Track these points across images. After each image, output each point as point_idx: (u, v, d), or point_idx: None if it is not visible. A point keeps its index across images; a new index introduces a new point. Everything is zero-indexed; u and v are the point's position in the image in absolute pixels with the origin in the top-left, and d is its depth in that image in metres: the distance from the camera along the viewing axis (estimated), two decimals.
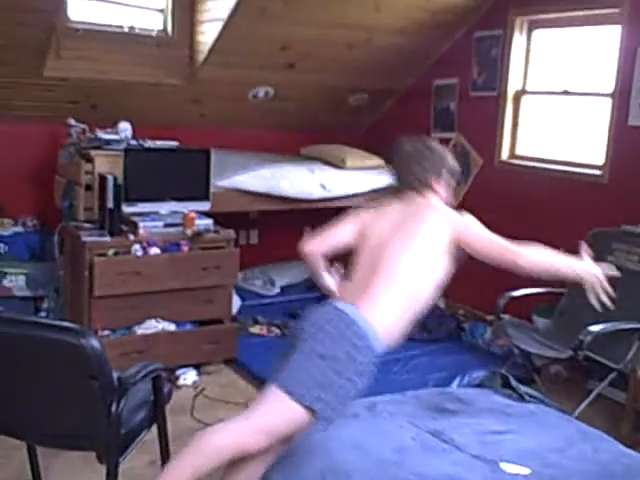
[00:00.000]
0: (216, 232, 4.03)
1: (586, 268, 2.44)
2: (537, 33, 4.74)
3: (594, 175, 4.30)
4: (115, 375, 2.34)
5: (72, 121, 4.35)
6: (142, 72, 4.70)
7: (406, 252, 2.46)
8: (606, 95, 4.24)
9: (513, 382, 3.73)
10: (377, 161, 5.28)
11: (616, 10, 4.11)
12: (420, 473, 2.32)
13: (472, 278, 5.15)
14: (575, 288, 4.00)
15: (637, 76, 3.99)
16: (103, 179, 3.84)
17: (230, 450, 2.19)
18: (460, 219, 2.59)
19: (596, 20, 4.34)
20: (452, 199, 2.70)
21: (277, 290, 5.41)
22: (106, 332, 3.70)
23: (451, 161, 2.71)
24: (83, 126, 4.32)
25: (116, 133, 4.20)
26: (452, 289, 5.21)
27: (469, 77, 5.09)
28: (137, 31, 4.66)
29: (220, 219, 4.18)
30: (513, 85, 4.83)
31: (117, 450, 2.33)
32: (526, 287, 4.08)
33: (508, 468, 2.40)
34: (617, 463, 2.50)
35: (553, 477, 2.36)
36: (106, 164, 3.99)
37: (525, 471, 2.39)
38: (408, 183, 2.66)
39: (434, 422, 2.74)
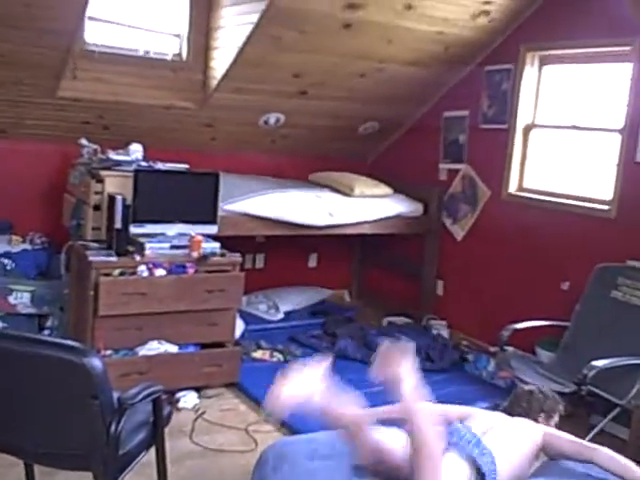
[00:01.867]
0: (222, 255, 4.04)
1: None
2: (548, 68, 4.78)
3: (602, 210, 4.30)
4: (115, 395, 2.34)
5: (84, 141, 4.40)
6: (155, 95, 4.76)
7: None
8: (615, 131, 4.26)
9: None
10: (385, 189, 5.31)
11: (627, 48, 4.15)
12: None
13: (476, 309, 5.17)
14: (579, 322, 3.99)
15: None
16: (112, 199, 3.87)
17: None
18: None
19: (607, 57, 4.37)
20: None
21: (281, 315, 5.40)
22: (108, 352, 3.69)
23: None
24: (95, 146, 4.36)
25: (127, 154, 4.24)
26: (456, 320, 5.30)
27: (479, 110, 5.12)
28: (152, 55, 4.73)
29: (227, 242, 4.19)
30: (523, 118, 4.85)
31: (114, 471, 2.33)
32: (530, 319, 4.07)
33: None
34: None
35: None
36: (116, 185, 4.02)
37: None
38: None
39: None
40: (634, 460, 3.29)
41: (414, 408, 2.25)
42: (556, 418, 2.84)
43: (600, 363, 3.39)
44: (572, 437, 2.66)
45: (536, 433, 2.66)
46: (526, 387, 3.00)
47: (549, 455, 2.68)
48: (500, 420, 2.72)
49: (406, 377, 2.26)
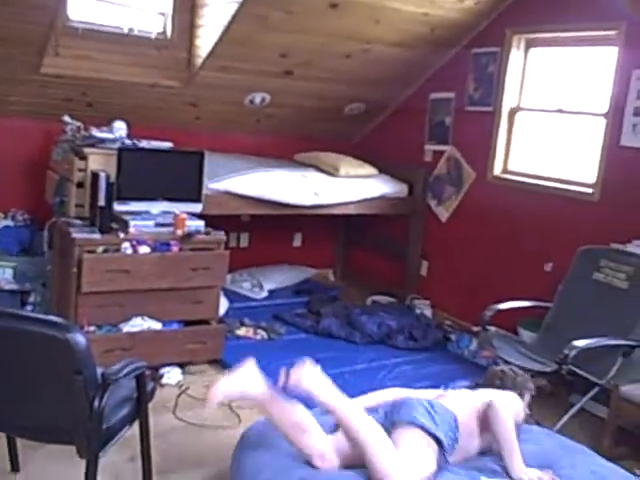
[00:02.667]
0: (207, 234, 4.04)
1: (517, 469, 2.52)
2: (534, 51, 4.78)
3: (585, 193, 4.33)
4: (99, 371, 2.35)
5: (67, 118, 4.36)
6: (139, 73, 4.72)
7: None
8: (600, 115, 4.28)
9: None
10: (370, 170, 5.32)
11: (613, 32, 4.16)
12: None
13: (459, 290, 5.21)
14: (562, 303, 4.04)
15: (631, 98, 4.04)
16: (96, 177, 3.84)
17: None
18: None
19: (592, 41, 4.38)
20: None
21: (265, 294, 5.42)
22: (92, 328, 3.68)
23: None
24: (78, 124, 4.33)
25: (111, 132, 4.21)
26: (439, 299, 5.34)
27: (465, 92, 5.13)
28: (136, 33, 4.68)
29: (211, 221, 4.19)
30: (508, 101, 4.87)
31: (97, 445, 2.34)
32: (513, 300, 4.11)
33: None
34: (594, 476, 2.52)
35: None
36: (99, 162, 4.00)
37: None
38: None
39: None
40: (613, 439, 3.39)
41: (332, 406, 2.47)
42: (527, 397, 2.88)
43: (581, 343, 3.43)
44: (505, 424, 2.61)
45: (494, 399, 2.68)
46: (498, 367, 3.07)
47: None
48: (464, 394, 2.81)
49: (313, 387, 2.50)
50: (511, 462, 2.53)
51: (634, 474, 2.69)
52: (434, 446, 2.45)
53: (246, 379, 2.60)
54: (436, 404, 2.59)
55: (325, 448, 2.48)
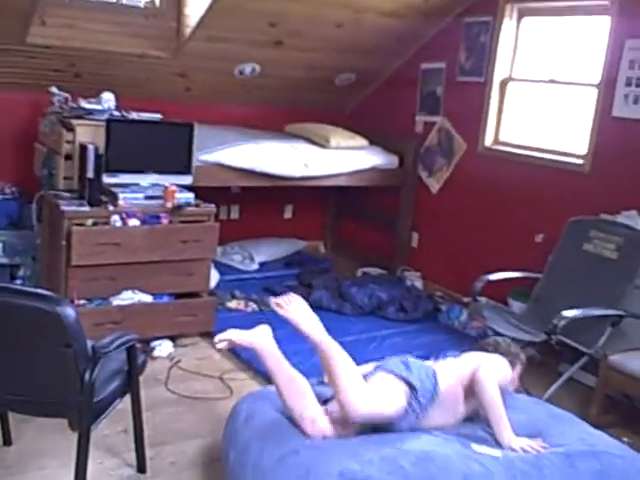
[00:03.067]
0: (197, 206, 4.01)
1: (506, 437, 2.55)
2: (526, 21, 4.74)
3: (576, 164, 4.33)
4: (89, 344, 2.34)
5: (55, 89, 4.31)
6: (128, 43, 4.65)
7: None
8: (592, 85, 4.26)
9: None
10: (361, 141, 5.29)
11: (606, 2, 4.12)
12: (397, 447, 2.39)
13: (450, 261, 5.22)
14: (551, 274, 4.05)
15: (623, 68, 4.02)
16: (84, 149, 3.81)
17: None
18: None
19: (585, 10, 4.34)
20: None
21: (256, 266, 5.41)
22: (82, 302, 3.67)
23: None
24: (66, 95, 4.27)
25: (99, 103, 4.16)
26: (430, 271, 5.36)
27: (456, 62, 5.09)
28: (124, 1, 4.61)
29: (202, 193, 4.16)
30: (500, 72, 4.83)
31: (89, 418, 2.35)
32: (503, 271, 4.12)
33: (479, 449, 2.45)
34: (584, 443, 2.55)
35: (522, 459, 2.41)
36: (88, 134, 3.96)
37: (496, 453, 2.43)
38: None
39: None
40: (601, 407, 3.43)
41: (317, 339, 2.54)
42: (519, 367, 2.89)
43: (570, 313, 3.45)
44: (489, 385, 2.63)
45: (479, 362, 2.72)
46: (491, 338, 3.08)
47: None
48: (450, 361, 2.84)
49: (300, 319, 2.58)
50: (499, 430, 2.56)
51: (622, 441, 2.72)
52: (405, 388, 2.51)
53: (257, 335, 2.72)
54: (414, 360, 2.66)
55: (317, 414, 2.53)
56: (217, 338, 2.71)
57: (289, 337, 2.79)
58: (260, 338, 2.71)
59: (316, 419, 2.52)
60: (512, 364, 2.85)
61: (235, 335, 2.70)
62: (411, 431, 2.53)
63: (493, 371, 2.67)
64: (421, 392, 2.53)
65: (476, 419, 2.72)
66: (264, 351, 2.67)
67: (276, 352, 2.68)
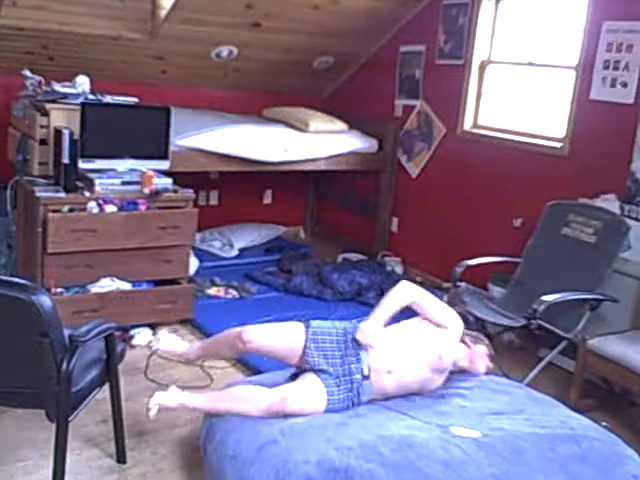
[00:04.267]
0: (175, 192, 3.97)
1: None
2: (504, 3, 4.72)
3: (555, 147, 4.34)
4: (66, 333, 2.31)
5: (28, 72, 4.20)
6: (102, 25, 4.56)
7: None
8: (570, 68, 4.26)
9: None
10: (340, 125, 5.25)
11: None
12: (376, 433, 2.39)
13: (430, 246, 5.22)
14: (531, 258, 4.07)
15: (601, 50, 4.02)
16: (59, 133, 3.73)
17: None
18: None
19: None
20: None
21: (235, 252, 5.37)
22: (59, 290, 3.62)
23: None
24: (39, 78, 4.17)
25: (73, 87, 4.07)
26: (410, 256, 5.36)
27: (435, 45, 5.07)
28: None
29: (180, 179, 4.11)
30: (479, 54, 4.82)
31: (67, 408, 2.32)
32: (483, 256, 4.13)
33: (458, 431, 2.45)
34: (563, 426, 2.56)
35: (502, 439, 2.43)
36: (62, 118, 3.88)
37: (475, 434, 2.44)
38: None
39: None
40: (580, 392, 3.45)
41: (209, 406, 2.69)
42: (482, 348, 3.02)
43: (549, 298, 3.47)
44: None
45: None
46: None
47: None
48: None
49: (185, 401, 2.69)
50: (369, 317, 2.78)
51: (600, 425, 2.74)
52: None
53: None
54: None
55: (280, 393, 2.58)
56: (150, 405, 2.61)
57: None
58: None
59: (284, 397, 2.58)
60: (474, 340, 2.98)
61: (163, 400, 2.63)
62: (388, 408, 2.62)
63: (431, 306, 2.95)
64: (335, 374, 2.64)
65: (455, 401, 2.73)
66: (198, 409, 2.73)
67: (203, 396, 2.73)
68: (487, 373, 3.00)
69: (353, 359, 2.69)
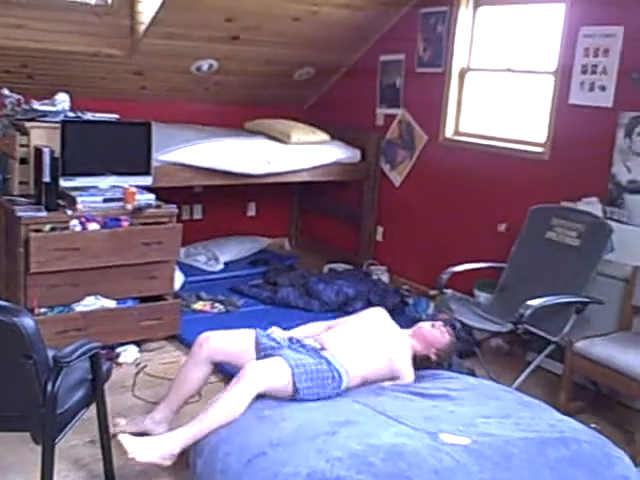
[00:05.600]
0: (158, 207, 3.95)
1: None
2: (482, 10, 4.76)
3: (536, 152, 4.36)
4: (50, 354, 2.28)
5: (6, 91, 4.18)
6: (80, 42, 4.55)
7: None
8: (548, 73, 4.29)
9: (454, 359, 3.81)
10: (322, 136, 5.26)
11: None
12: (365, 442, 2.37)
13: (415, 254, 5.23)
14: (515, 263, 4.08)
15: (579, 55, 4.06)
16: (39, 152, 3.71)
17: None
18: None
19: None
20: None
21: (221, 266, 5.35)
22: (43, 310, 3.59)
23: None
24: (18, 97, 4.15)
25: (53, 104, 4.05)
26: (396, 265, 5.36)
27: (415, 53, 5.09)
28: None
29: (163, 194, 4.10)
30: (458, 62, 4.85)
31: (53, 431, 2.29)
32: (468, 262, 4.13)
33: (447, 439, 2.44)
34: (553, 430, 2.56)
35: (492, 445, 2.42)
36: (43, 137, 3.85)
37: (465, 441, 2.43)
38: None
39: (378, 400, 2.78)
40: (568, 394, 3.46)
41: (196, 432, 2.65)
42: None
43: (535, 302, 3.48)
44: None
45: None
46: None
47: None
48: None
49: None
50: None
51: (590, 427, 2.74)
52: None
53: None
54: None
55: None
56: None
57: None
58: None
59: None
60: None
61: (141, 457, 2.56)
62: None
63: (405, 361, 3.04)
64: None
65: (446, 407, 2.73)
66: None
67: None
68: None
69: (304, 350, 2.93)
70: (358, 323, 3.18)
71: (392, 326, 3.24)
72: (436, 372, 3.14)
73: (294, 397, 2.71)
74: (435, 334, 3.18)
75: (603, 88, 3.94)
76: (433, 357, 3.15)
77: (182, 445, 2.58)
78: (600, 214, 3.88)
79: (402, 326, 3.52)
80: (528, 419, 2.64)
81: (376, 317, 3.26)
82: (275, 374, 2.70)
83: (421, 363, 3.14)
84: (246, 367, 2.69)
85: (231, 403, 2.61)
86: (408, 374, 3.03)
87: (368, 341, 3.02)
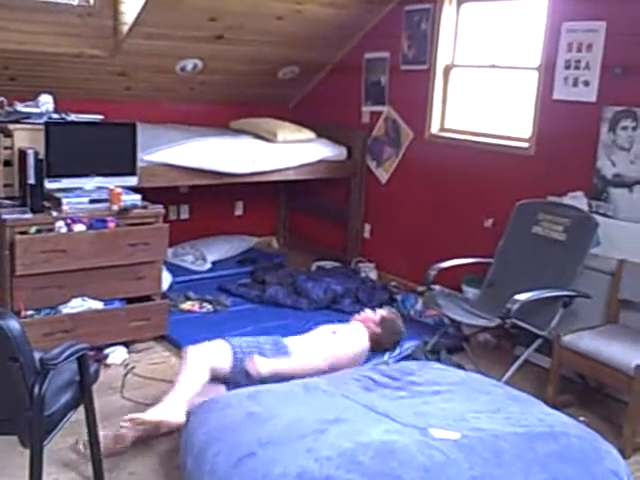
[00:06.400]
0: (144, 207, 3.93)
1: None
2: (465, 7, 4.77)
3: (521, 148, 4.38)
4: (37, 356, 2.27)
5: None
6: (63, 43, 4.52)
7: None
8: (532, 69, 4.31)
9: (443, 355, 3.82)
10: (308, 134, 5.25)
11: None
12: (355, 440, 2.36)
13: (403, 250, 5.24)
14: (502, 258, 4.09)
15: (562, 51, 4.07)
16: (23, 154, 3.69)
17: None
18: None
19: None
20: None
21: (208, 265, 5.34)
22: (30, 312, 3.57)
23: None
24: (1, 99, 4.13)
25: (37, 106, 4.03)
26: (384, 261, 5.37)
27: (399, 51, 5.10)
28: (57, 0, 4.47)
29: (149, 194, 4.08)
30: (442, 59, 4.86)
31: (40, 433, 2.27)
32: (455, 258, 4.15)
33: (437, 434, 2.45)
34: (542, 424, 2.57)
35: (482, 439, 2.42)
36: (26, 138, 3.83)
37: (455, 436, 2.43)
38: None
39: (367, 396, 2.78)
40: (557, 388, 3.48)
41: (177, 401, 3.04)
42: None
43: (523, 297, 3.50)
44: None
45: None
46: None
47: None
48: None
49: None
50: None
51: (578, 421, 2.76)
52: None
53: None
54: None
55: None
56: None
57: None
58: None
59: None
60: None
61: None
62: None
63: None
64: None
65: (436, 402, 2.74)
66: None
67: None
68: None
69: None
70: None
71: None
72: (426, 364, 3.15)
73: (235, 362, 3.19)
74: (369, 314, 3.73)
75: (587, 83, 3.96)
76: (378, 330, 3.64)
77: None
78: (586, 208, 3.91)
79: None
80: (518, 413, 2.65)
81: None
82: (214, 353, 3.18)
83: (376, 342, 3.64)
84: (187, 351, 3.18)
85: (185, 391, 3.01)
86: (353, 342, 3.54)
87: (324, 336, 3.56)
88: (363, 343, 3.58)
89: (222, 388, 3.18)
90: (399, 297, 4.80)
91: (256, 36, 4.98)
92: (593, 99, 3.93)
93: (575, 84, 4.02)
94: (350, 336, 3.57)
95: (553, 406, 2.87)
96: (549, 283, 3.67)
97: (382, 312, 3.77)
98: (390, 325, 3.70)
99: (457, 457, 2.33)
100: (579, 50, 3.99)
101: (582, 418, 3.04)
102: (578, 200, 3.95)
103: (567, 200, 3.99)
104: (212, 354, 3.17)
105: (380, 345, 3.67)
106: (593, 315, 3.68)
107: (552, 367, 3.55)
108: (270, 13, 4.76)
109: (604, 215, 3.85)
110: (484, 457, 2.35)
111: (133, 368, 3.69)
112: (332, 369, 3.28)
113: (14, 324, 2.16)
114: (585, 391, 3.68)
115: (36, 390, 2.21)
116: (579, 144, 4.02)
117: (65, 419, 2.43)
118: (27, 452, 2.30)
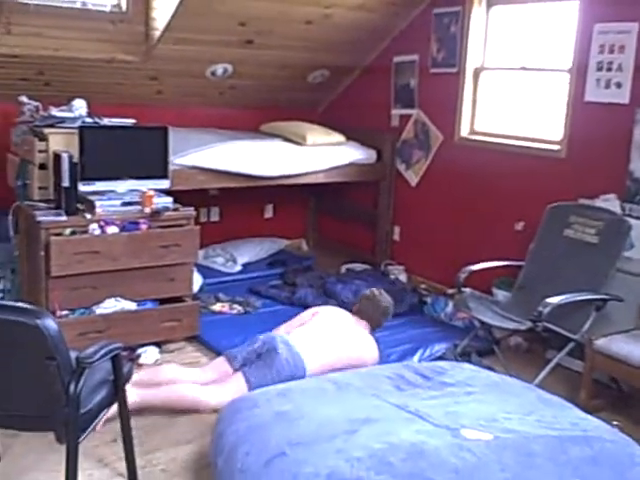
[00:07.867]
0: (175, 210, 3.98)
1: None
2: (495, 9, 4.75)
3: (552, 150, 4.35)
4: (73, 355, 2.31)
5: (24, 99, 4.23)
6: (96, 49, 4.59)
7: None
8: (563, 71, 4.28)
9: (473, 357, 3.80)
10: (337, 137, 5.27)
11: None
12: (385, 441, 2.36)
13: (433, 253, 5.23)
14: (534, 261, 4.06)
15: (594, 52, 4.04)
16: (58, 158, 3.75)
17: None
18: None
19: None
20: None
21: (239, 267, 5.38)
22: (64, 312, 3.63)
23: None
24: (36, 104, 4.20)
25: (70, 110, 4.09)
26: (413, 264, 5.36)
27: (429, 54, 5.09)
28: (90, 7, 4.54)
29: (180, 197, 4.13)
30: (472, 61, 4.84)
31: (76, 431, 2.31)
32: (486, 261, 4.13)
33: (469, 434, 2.44)
34: (575, 428, 2.55)
35: (514, 442, 2.41)
36: (61, 142, 3.90)
37: (487, 437, 2.42)
38: None
39: (399, 395, 2.78)
40: (589, 392, 3.44)
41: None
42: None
43: (554, 300, 3.47)
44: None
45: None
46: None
47: None
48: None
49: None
50: None
51: (612, 425, 2.73)
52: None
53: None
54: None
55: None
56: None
57: None
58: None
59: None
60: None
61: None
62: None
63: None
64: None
65: (467, 402, 2.73)
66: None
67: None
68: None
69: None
70: (320, 322, 3.72)
71: (347, 319, 3.84)
72: (458, 365, 3.14)
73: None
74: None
75: (619, 85, 3.92)
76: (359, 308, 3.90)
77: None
78: (618, 211, 3.87)
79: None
80: (550, 417, 2.63)
81: (335, 315, 3.83)
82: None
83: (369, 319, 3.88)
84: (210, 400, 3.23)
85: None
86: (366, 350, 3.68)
87: (329, 337, 3.61)
88: (373, 351, 3.73)
89: (239, 376, 3.32)
90: (429, 300, 4.79)
91: (285, 41, 5.01)
92: (626, 101, 3.89)
93: (607, 86, 3.98)
94: (361, 339, 3.75)
95: (586, 410, 2.84)
96: (581, 286, 3.63)
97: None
98: (370, 299, 3.94)
99: (488, 459, 2.32)
100: (611, 52, 3.95)
101: (616, 423, 3.00)
102: (610, 203, 3.91)
103: (599, 203, 3.96)
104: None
105: (373, 320, 3.90)
106: (626, 318, 3.63)
107: (584, 371, 3.52)
108: (299, 18, 4.79)
109: (637, 218, 3.80)
110: (516, 459, 2.34)
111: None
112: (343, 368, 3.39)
113: (51, 323, 2.20)
114: (618, 395, 3.63)
115: (72, 388, 2.25)
116: (611, 146, 3.98)
117: (100, 416, 2.47)
118: (62, 449, 2.34)
